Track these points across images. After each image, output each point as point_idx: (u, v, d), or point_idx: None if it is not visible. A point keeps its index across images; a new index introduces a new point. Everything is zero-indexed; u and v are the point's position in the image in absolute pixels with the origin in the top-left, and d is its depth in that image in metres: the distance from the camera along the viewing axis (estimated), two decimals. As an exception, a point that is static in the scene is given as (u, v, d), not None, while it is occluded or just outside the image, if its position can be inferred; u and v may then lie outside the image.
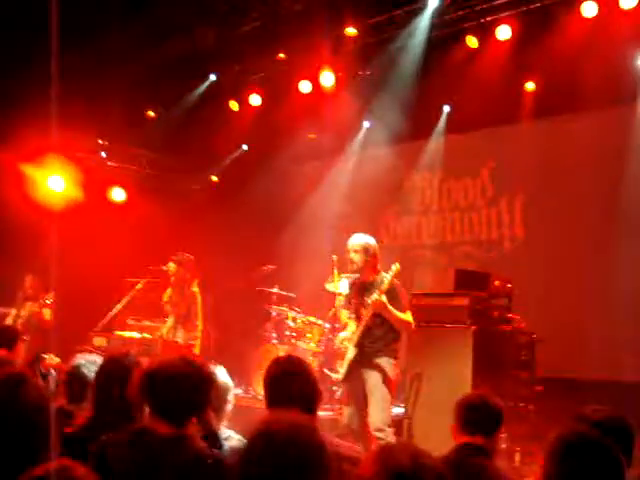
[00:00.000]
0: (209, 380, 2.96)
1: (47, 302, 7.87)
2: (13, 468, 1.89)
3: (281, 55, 8.89)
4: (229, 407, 3.73)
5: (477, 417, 3.34)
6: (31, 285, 8.20)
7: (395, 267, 5.57)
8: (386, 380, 5.57)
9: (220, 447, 3.08)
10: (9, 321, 7.96)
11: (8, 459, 2.08)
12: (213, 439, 3.14)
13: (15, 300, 8.23)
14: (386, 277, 5.54)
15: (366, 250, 5.74)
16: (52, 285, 7.51)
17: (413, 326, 5.70)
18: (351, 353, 5.70)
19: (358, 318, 5.79)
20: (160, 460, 2.66)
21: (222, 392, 3.66)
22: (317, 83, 9.07)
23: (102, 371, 3.39)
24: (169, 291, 7.73)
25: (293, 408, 2.80)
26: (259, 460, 2.01)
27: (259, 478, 1.99)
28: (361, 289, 5.83)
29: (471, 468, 3.16)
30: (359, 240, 5.82)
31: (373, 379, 5.55)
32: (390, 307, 5.49)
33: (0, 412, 2.25)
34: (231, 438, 3.57)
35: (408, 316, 5.64)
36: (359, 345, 5.67)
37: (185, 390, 2.82)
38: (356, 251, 5.76)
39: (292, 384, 3.17)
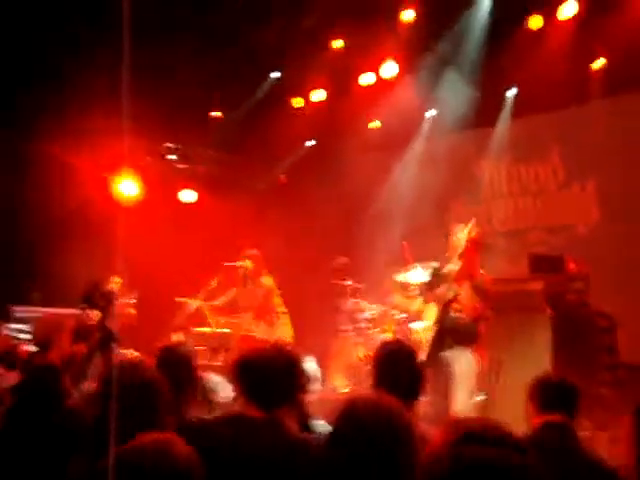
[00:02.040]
0: (300, 367, 3.01)
1: (132, 301, 8.09)
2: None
3: (340, 43, 8.86)
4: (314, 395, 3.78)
5: (554, 394, 3.28)
6: (118, 285, 8.41)
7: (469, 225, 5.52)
8: (474, 365, 5.55)
9: (312, 433, 3.13)
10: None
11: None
12: (306, 425, 3.19)
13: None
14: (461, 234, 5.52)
15: (477, 245, 5.72)
16: (134, 285, 7.72)
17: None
18: (436, 340, 5.66)
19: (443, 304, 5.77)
20: (253, 442, 2.71)
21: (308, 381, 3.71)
22: (378, 74, 9.05)
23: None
24: (236, 289, 7.84)
25: (396, 392, 2.84)
26: (346, 438, 2.03)
27: (346, 455, 2.01)
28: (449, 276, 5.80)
29: (556, 446, 3.10)
30: (472, 233, 5.78)
31: (462, 363, 5.50)
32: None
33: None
34: (316, 425, 3.61)
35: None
36: (446, 333, 5.65)
37: (277, 376, 2.87)
38: (456, 248, 5.73)
39: (398, 368, 3.23)
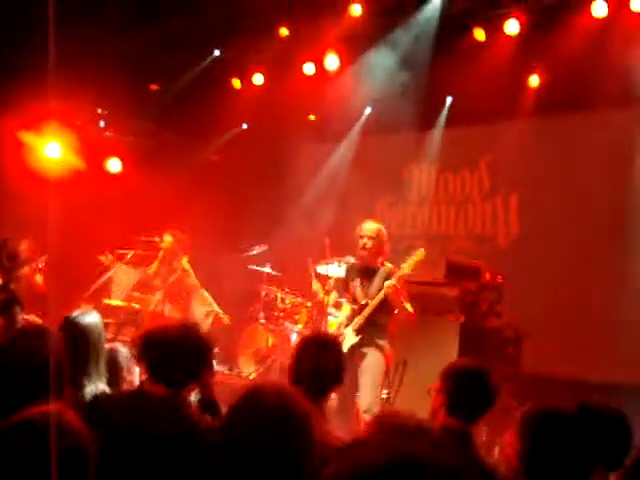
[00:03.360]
0: (208, 346, 2.96)
1: (39, 266, 7.86)
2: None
3: (284, 31, 8.80)
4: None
5: (472, 392, 3.20)
6: (27, 249, 8.15)
7: (420, 252, 5.61)
8: (383, 362, 5.61)
9: (217, 414, 3.09)
10: None
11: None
12: (210, 406, 3.15)
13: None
14: (409, 262, 5.58)
15: (379, 237, 5.78)
16: (45, 250, 7.49)
17: (414, 317, 5.74)
18: (352, 338, 5.69)
19: (354, 302, 5.81)
20: (149, 420, 2.66)
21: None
22: (321, 65, 9.02)
23: None
24: (155, 265, 7.72)
25: (310, 384, 2.84)
26: (240, 423, 2.01)
27: (241, 438, 1.99)
28: (361, 273, 5.85)
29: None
30: (374, 226, 5.84)
31: (372, 359, 5.56)
32: (401, 296, 5.55)
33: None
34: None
35: (410, 307, 5.70)
36: (360, 329, 5.69)
37: (181, 353, 2.82)
38: (370, 237, 5.78)
39: (315, 361, 3.22)
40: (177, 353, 2.85)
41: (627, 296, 7.48)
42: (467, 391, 3.14)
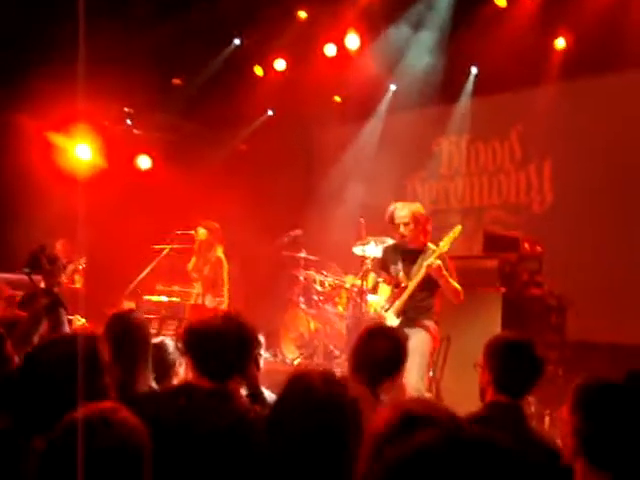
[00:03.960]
0: (252, 338, 2.96)
1: (79, 267, 7.96)
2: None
3: (302, 14, 8.76)
4: (259, 365, 3.74)
5: (518, 366, 3.16)
6: (63, 250, 8.26)
7: (457, 229, 5.54)
8: (429, 342, 5.57)
9: (264, 404, 3.10)
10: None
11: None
12: (257, 397, 3.16)
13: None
14: (445, 240, 5.52)
15: (416, 220, 5.69)
16: (82, 251, 7.57)
17: (461, 295, 5.65)
18: (393, 321, 5.64)
19: (395, 284, 5.76)
20: (201, 413, 2.67)
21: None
22: (342, 46, 8.97)
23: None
24: (195, 258, 7.76)
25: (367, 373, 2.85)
26: (289, 410, 2.01)
27: (288, 426, 1.99)
28: (402, 254, 5.78)
29: (505, 425, 3.09)
30: (406, 211, 5.73)
31: (417, 339, 5.47)
32: (445, 273, 5.48)
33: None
34: (268, 396, 3.59)
35: (457, 285, 5.61)
36: (402, 312, 5.65)
37: (226, 347, 2.82)
38: (406, 224, 5.69)
39: (376, 351, 3.25)
40: (220, 345, 2.84)
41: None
42: (514, 366, 3.09)
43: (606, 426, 2.20)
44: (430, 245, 5.71)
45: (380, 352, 3.35)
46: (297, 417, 2.01)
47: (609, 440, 2.18)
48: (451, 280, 5.54)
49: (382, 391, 3.35)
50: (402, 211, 5.74)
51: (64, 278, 7.94)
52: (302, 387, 2.07)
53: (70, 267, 8.12)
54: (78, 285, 8.38)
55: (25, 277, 4.90)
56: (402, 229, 5.70)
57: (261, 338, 3.83)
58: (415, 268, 5.64)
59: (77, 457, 1.61)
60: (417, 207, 5.83)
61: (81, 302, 6.45)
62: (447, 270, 5.54)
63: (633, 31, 7.14)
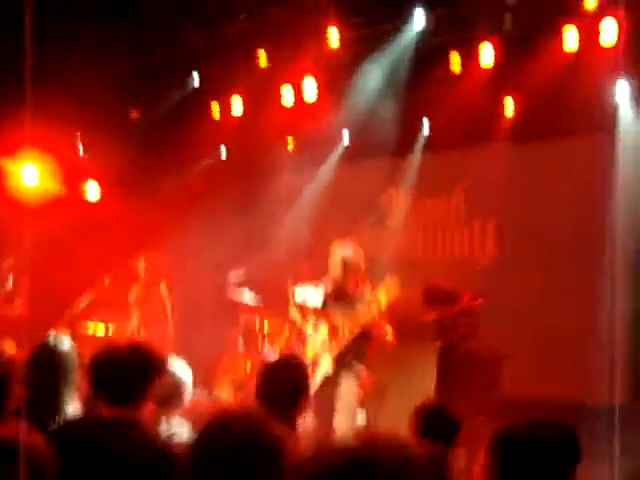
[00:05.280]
0: (154, 365, 2.93)
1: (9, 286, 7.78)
2: None
3: (262, 55, 8.87)
4: (184, 399, 3.71)
5: (436, 424, 3.32)
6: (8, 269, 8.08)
7: (393, 283, 5.56)
8: (359, 387, 5.59)
9: None
10: None
11: None
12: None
13: None
14: (383, 292, 5.54)
15: (346, 267, 5.70)
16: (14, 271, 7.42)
17: (393, 344, 5.69)
18: (327, 365, 5.65)
19: (332, 328, 5.78)
20: (105, 443, 2.64)
21: (177, 383, 3.64)
22: (300, 92, 9.10)
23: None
24: (135, 289, 7.68)
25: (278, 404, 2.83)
26: (209, 446, 2.00)
27: (209, 460, 1.98)
28: (339, 298, 5.80)
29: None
30: (338, 256, 5.76)
31: (347, 385, 5.52)
32: (382, 324, 5.50)
33: None
34: (181, 433, 3.55)
35: (389, 334, 5.65)
36: (338, 358, 5.66)
37: (127, 372, 2.80)
38: (335, 268, 5.73)
39: (282, 382, 3.24)
40: (122, 370, 2.82)
41: (597, 320, 7.53)
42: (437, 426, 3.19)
43: (514, 470, 2.28)
44: (366, 290, 5.73)
45: (290, 381, 3.33)
46: (216, 458, 2.00)
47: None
48: (386, 331, 5.58)
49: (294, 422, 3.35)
50: (333, 257, 5.77)
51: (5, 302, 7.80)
52: (221, 426, 2.06)
53: (4, 290, 7.95)
54: (17, 310, 8.19)
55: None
56: (332, 272, 5.75)
57: (188, 380, 3.80)
58: (352, 315, 5.68)
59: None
60: (348, 253, 5.82)
61: (20, 329, 6.32)
62: (382, 319, 5.57)
63: (580, 99, 7.45)
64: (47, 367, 3.19)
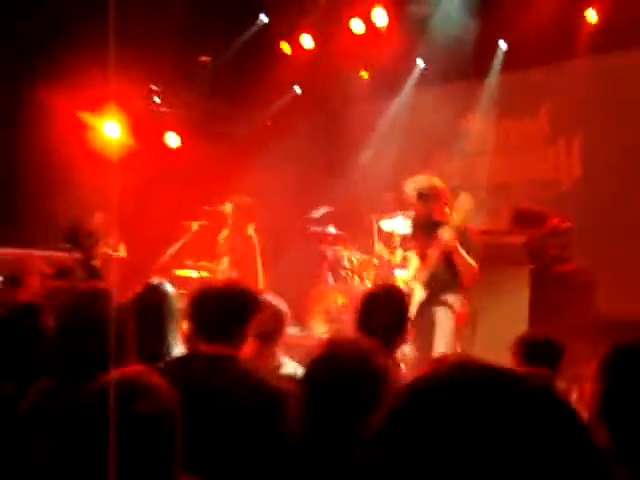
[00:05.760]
0: (251, 300, 2.96)
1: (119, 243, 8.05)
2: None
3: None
4: (284, 333, 3.77)
5: (539, 351, 3.28)
6: (100, 223, 8.34)
7: (465, 200, 5.45)
8: (453, 317, 5.55)
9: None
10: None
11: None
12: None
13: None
14: (457, 212, 5.44)
15: (422, 198, 5.62)
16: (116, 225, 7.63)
17: (476, 272, 5.59)
18: (419, 292, 5.64)
19: (423, 257, 5.73)
20: (206, 381, 2.70)
21: (276, 316, 3.69)
22: (369, 21, 8.92)
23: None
24: (225, 232, 7.81)
25: (378, 333, 2.85)
26: (322, 370, 2.04)
27: (320, 388, 2.02)
28: (427, 226, 5.73)
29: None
30: (412, 189, 5.66)
31: (441, 314, 5.50)
32: (461, 250, 5.41)
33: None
34: (287, 365, 3.63)
35: (473, 261, 5.55)
36: (427, 284, 5.63)
37: (225, 308, 2.84)
38: (413, 203, 5.66)
39: (383, 311, 3.24)
40: (221, 307, 2.85)
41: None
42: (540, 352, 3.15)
43: (628, 390, 2.21)
44: (453, 216, 5.64)
45: (391, 314, 3.33)
46: (329, 384, 2.03)
47: (630, 404, 2.19)
48: (466, 256, 5.47)
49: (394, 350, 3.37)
50: (408, 188, 5.69)
51: (103, 249, 8.08)
52: (334, 354, 2.10)
53: (110, 239, 8.22)
54: (123, 254, 8.48)
55: (63, 254, 4.98)
56: (413, 202, 5.68)
57: (286, 312, 3.87)
58: (438, 240, 5.59)
59: (110, 420, 1.64)
60: (424, 182, 5.72)
61: (121, 276, 6.50)
62: (466, 243, 5.46)
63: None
64: (153, 308, 3.28)
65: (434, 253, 5.55)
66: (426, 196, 5.63)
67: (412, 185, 5.72)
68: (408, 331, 3.46)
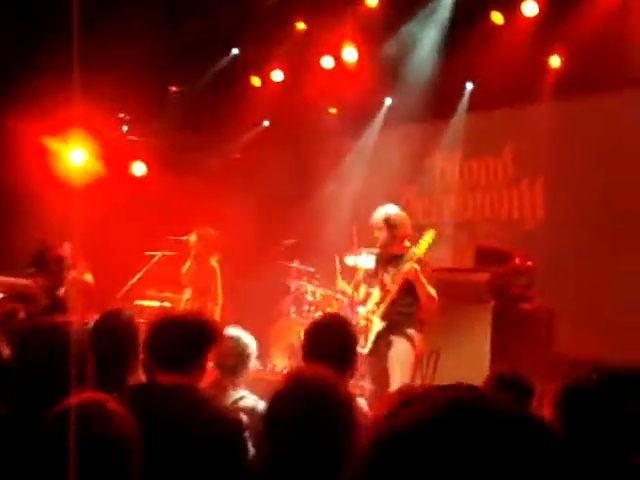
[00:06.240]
0: (210, 331, 2.94)
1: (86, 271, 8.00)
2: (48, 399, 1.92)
3: (301, 25, 8.83)
4: (249, 367, 3.74)
5: (512, 388, 3.27)
6: (69, 250, 8.26)
7: (430, 234, 5.51)
8: (412, 350, 5.55)
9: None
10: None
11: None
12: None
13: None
14: (421, 243, 5.50)
15: (390, 225, 5.66)
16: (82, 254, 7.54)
17: (437, 303, 5.64)
18: (378, 325, 5.64)
19: (383, 289, 5.75)
20: (162, 411, 2.66)
21: (241, 351, 3.67)
22: (339, 58, 9.03)
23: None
24: (188, 264, 7.76)
25: (326, 363, 2.81)
26: (287, 402, 2.02)
27: (285, 420, 2.00)
28: (388, 261, 5.77)
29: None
30: (381, 215, 5.73)
31: (399, 347, 5.50)
32: (422, 279, 5.45)
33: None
34: (247, 398, 3.59)
35: (434, 292, 5.59)
36: (386, 316, 5.63)
37: (183, 338, 2.81)
38: (380, 228, 5.69)
39: (329, 339, 3.21)
40: (179, 337, 2.83)
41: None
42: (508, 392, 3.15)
43: (579, 425, 2.25)
44: (412, 248, 5.69)
45: (336, 341, 3.30)
46: (294, 415, 2.02)
47: (587, 439, 2.22)
48: (427, 286, 5.50)
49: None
50: (376, 215, 5.75)
51: (71, 276, 7.97)
52: (299, 385, 2.08)
53: (79, 266, 8.14)
54: (89, 281, 8.41)
55: (26, 280, 4.85)
56: (376, 233, 5.72)
57: (252, 347, 3.84)
58: (399, 273, 5.62)
59: (69, 444, 1.63)
60: (391, 211, 5.78)
61: (93, 298, 6.39)
62: (424, 275, 5.51)
63: (628, 49, 7.21)
64: (112, 337, 3.24)
65: (394, 287, 5.58)
66: (393, 223, 5.68)
67: (380, 212, 5.77)
68: (357, 361, 3.43)
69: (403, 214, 5.82)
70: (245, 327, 4.14)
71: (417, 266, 5.44)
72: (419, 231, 6.12)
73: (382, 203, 8.65)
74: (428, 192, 10.08)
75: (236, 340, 3.63)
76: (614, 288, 7.86)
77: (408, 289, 5.57)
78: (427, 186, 10.06)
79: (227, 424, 2.70)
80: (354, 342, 3.39)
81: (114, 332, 3.31)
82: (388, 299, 5.63)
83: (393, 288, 5.59)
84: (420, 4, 8.31)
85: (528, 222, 9.14)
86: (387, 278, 5.76)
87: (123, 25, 8.62)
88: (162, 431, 2.58)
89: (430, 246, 5.59)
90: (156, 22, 9.02)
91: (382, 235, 5.70)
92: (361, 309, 6.98)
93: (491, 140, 9.51)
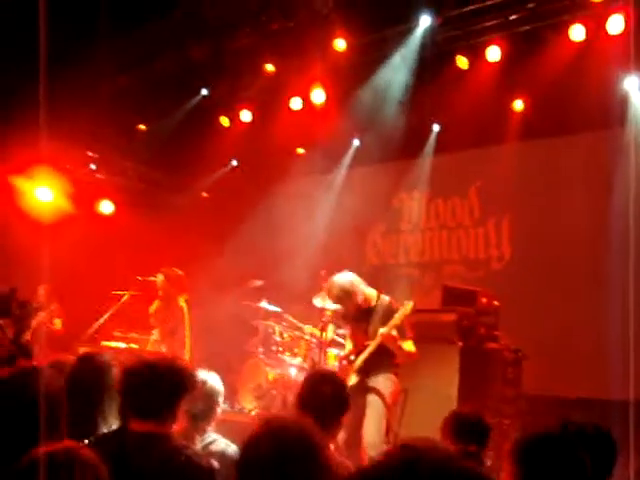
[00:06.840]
0: (184, 379, 2.93)
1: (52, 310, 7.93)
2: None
3: (270, 67, 8.94)
4: (217, 411, 3.73)
5: (470, 429, 3.38)
6: (44, 294, 8.21)
7: (409, 306, 5.52)
8: (385, 397, 5.55)
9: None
10: None
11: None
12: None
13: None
14: (399, 313, 5.50)
15: (348, 293, 5.64)
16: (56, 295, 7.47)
17: (416, 356, 5.67)
18: (352, 380, 5.62)
19: (356, 342, 5.77)
20: (136, 458, 2.64)
21: (210, 395, 3.66)
22: (308, 99, 9.14)
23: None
24: (156, 304, 7.70)
25: (317, 416, 2.84)
26: (261, 446, 2.01)
27: (258, 465, 1.99)
28: (360, 317, 5.76)
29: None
30: (335, 289, 5.68)
31: (372, 396, 5.51)
32: (399, 343, 5.48)
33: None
34: (218, 441, 3.56)
35: (412, 346, 5.62)
36: (361, 370, 5.64)
37: (158, 386, 2.80)
38: (340, 299, 5.69)
39: (322, 395, 3.25)
40: (153, 385, 2.82)
41: (613, 317, 7.49)
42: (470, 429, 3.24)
43: (542, 474, 2.28)
44: (383, 298, 5.70)
45: (329, 395, 3.35)
46: (270, 460, 2.01)
47: None
48: (404, 346, 5.55)
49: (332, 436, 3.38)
50: (332, 290, 5.70)
51: (38, 320, 7.88)
52: (275, 431, 2.08)
53: (47, 310, 8.07)
54: (58, 327, 8.42)
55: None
56: (339, 307, 5.79)
57: (220, 391, 3.82)
58: (371, 327, 5.63)
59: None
60: (340, 284, 5.70)
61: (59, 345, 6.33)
62: (403, 331, 5.56)
63: (590, 93, 7.42)
64: (85, 383, 3.20)
65: (369, 348, 5.58)
66: (352, 291, 5.66)
67: (334, 286, 5.72)
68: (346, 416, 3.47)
69: (352, 278, 5.76)
70: (213, 367, 4.12)
71: (395, 332, 5.47)
72: (386, 272, 6.16)
73: (350, 243, 8.76)
74: (395, 231, 10.17)
75: (203, 384, 3.61)
76: (578, 327, 7.97)
77: (382, 346, 5.58)
78: (394, 226, 10.16)
79: (200, 473, 2.68)
80: (345, 400, 3.43)
81: (90, 377, 3.27)
82: (363, 356, 5.63)
83: (369, 347, 5.59)
84: (388, 48, 8.46)
85: (494, 262, 9.26)
86: (359, 332, 5.76)
87: (92, 63, 8.66)
88: (135, 478, 2.56)
89: (407, 316, 5.61)
90: (125, 60, 9.07)
91: (346, 305, 5.71)
92: (330, 350, 6.99)
93: (457, 180, 9.66)
